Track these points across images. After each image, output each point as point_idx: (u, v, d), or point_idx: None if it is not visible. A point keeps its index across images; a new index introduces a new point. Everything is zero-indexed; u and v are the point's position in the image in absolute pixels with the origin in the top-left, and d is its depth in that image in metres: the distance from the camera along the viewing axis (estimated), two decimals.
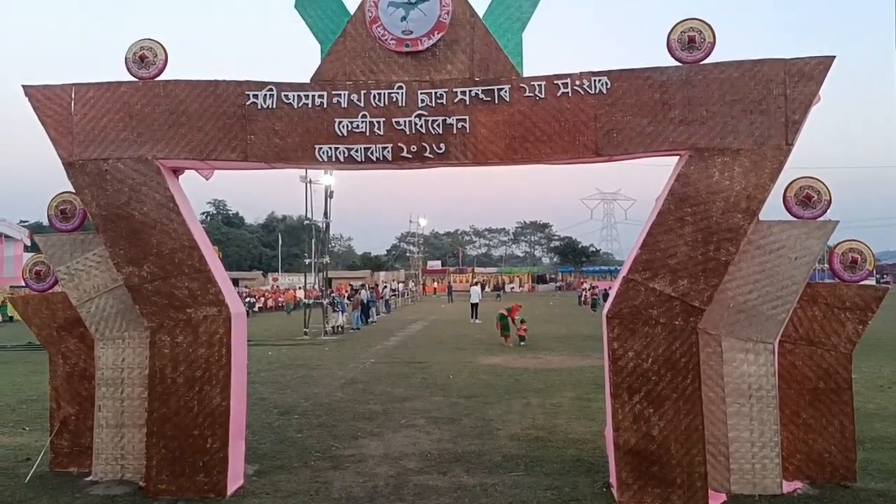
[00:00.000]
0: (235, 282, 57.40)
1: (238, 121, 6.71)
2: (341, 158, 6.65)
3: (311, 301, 29.85)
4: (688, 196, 6.31)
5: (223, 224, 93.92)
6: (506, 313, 21.55)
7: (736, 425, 6.50)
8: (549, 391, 12.39)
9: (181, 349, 6.67)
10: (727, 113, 6.24)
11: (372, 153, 6.62)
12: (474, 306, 31.87)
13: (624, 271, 6.61)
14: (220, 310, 6.71)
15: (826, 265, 7.03)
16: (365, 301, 30.19)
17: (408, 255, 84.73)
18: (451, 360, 17.23)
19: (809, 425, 6.74)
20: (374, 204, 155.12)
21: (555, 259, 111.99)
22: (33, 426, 9.73)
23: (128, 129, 6.74)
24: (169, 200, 6.72)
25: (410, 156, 6.60)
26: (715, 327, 6.48)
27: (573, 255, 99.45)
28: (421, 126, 6.58)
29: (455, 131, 6.57)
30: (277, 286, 59.41)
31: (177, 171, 7.14)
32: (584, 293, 50.00)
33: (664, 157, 6.56)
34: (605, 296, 45.68)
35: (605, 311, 6.70)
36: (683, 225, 6.31)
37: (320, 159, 6.67)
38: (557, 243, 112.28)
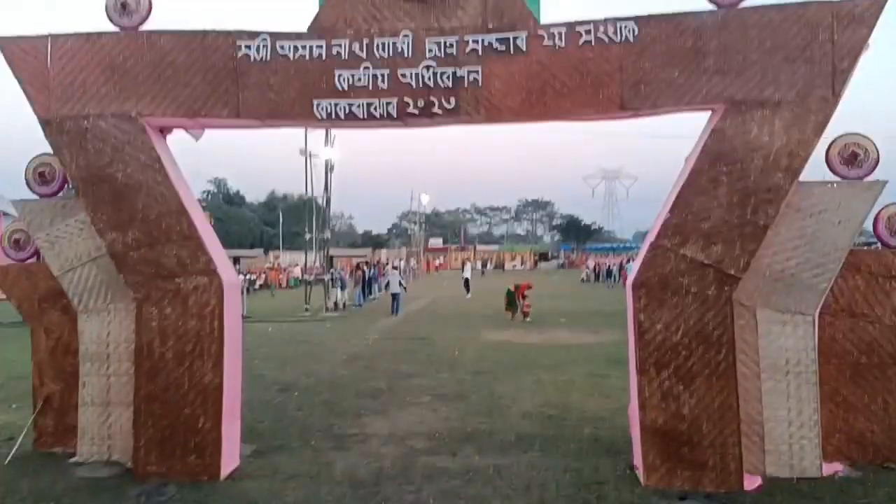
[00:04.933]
0: (236, 260, 56.73)
1: (229, 74, 6.15)
2: (342, 115, 6.09)
3: (313, 278, 29.34)
4: (723, 153, 5.75)
5: (224, 202, 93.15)
6: (513, 289, 21.11)
7: (772, 403, 6.01)
8: (559, 367, 11.94)
9: (170, 322, 6.17)
10: (767, 62, 5.66)
11: (375, 109, 6.05)
12: (466, 281, 33.97)
13: (651, 236, 6.08)
14: (212, 279, 6.20)
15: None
16: (367, 276, 29.72)
17: (409, 232, 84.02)
18: (456, 336, 16.80)
19: (850, 403, 6.25)
20: (375, 182, 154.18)
21: (556, 237, 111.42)
22: (20, 403, 9.27)
23: (109, 83, 6.18)
24: (155, 161, 6.18)
25: (417, 112, 6.03)
26: (749, 298, 5.96)
27: (575, 232, 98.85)
28: (429, 79, 6.01)
29: (466, 84, 5.99)
30: (278, 264, 58.81)
31: (164, 131, 6.60)
32: (595, 266, 50.00)
33: (696, 111, 6.00)
34: (609, 272, 45.81)
35: (630, 280, 6.19)
36: (718, 185, 5.77)
37: (319, 116, 6.12)
38: (559, 221, 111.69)
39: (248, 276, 36.96)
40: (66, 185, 6.65)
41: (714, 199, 5.78)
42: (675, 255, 5.87)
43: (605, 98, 5.90)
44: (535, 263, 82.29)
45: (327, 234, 28.02)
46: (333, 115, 6.11)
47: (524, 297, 20.83)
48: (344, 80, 6.07)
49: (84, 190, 6.22)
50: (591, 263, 53.86)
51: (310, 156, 25.81)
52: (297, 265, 49.63)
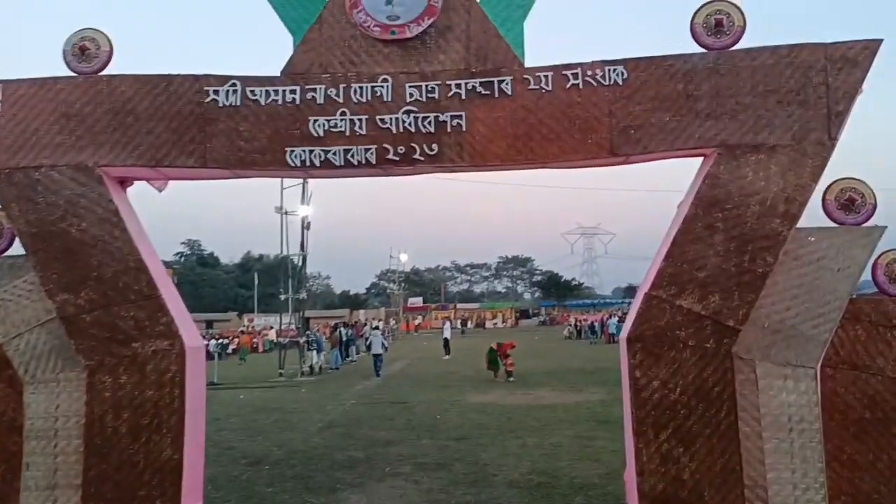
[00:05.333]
0: (210, 324, 55.55)
1: (195, 121, 5.79)
2: (317, 162, 5.74)
3: (287, 341, 28.51)
4: (717, 199, 5.48)
5: (197, 265, 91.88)
6: (495, 347, 20.63)
7: (775, 464, 5.56)
8: (545, 430, 11.43)
9: (125, 392, 5.61)
10: (761, 105, 5.46)
11: (353, 156, 5.72)
12: (445, 340, 33.15)
13: (645, 287, 5.73)
14: (173, 343, 5.68)
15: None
16: (344, 339, 29.02)
17: (388, 292, 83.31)
18: (438, 399, 16.21)
19: (855, 462, 5.83)
20: (353, 240, 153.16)
21: (537, 294, 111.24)
22: None
23: (65, 131, 5.78)
24: (112, 214, 5.74)
25: (398, 158, 5.71)
26: (748, 351, 5.59)
27: (556, 289, 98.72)
28: (409, 124, 5.71)
29: (449, 129, 5.70)
30: (252, 327, 57.53)
31: (124, 183, 6.19)
32: (577, 323, 49.71)
33: (688, 156, 5.75)
34: (592, 328, 45.37)
35: (624, 333, 5.81)
36: (713, 232, 5.48)
37: (292, 164, 5.76)
38: (539, 278, 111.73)
39: (220, 341, 35.96)
40: (13, 243, 6.16)
41: (710, 247, 5.48)
42: (671, 306, 5.52)
43: (594, 143, 5.63)
44: (517, 321, 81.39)
45: (303, 295, 27.40)
46: (308, 163, 5.75)
47: (507, 355, 20.37)
48: (319, 126, 5.75)
49: (32, 246, 5.73)
50: (572, 320, 53.54)
51: (285, 213, 25.41)
52: (271, 328, 48.45)
